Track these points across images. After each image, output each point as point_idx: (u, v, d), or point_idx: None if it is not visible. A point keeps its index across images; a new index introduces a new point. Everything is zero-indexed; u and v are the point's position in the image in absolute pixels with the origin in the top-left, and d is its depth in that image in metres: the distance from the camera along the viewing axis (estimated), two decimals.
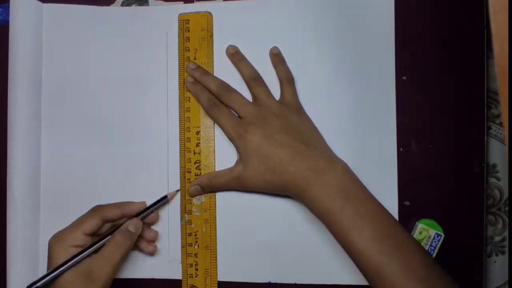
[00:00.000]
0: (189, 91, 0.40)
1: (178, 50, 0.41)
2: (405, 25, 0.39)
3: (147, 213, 0.38)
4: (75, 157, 0.41)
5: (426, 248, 0.38)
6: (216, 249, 0.40)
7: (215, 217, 0.40)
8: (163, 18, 0.41)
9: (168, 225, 0.40)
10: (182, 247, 0.40)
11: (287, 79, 0.39)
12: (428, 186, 0.39)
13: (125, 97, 0.41)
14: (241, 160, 0.38)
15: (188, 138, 0.40)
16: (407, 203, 0.39)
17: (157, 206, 0.39)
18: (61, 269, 0.33)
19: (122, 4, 0.42)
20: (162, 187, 0.40)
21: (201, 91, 0.39)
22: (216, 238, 0.40)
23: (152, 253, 0.39)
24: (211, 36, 0.41)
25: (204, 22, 0.40)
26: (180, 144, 0.40)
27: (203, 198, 0.40)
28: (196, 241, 0.40)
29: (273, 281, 0.39)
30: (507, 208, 0.39)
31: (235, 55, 0.40)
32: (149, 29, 0.41)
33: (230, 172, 0.38)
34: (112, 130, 0.41)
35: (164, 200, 0.39)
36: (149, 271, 0.40)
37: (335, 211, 0.34)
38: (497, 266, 0.40)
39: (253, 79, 0.39)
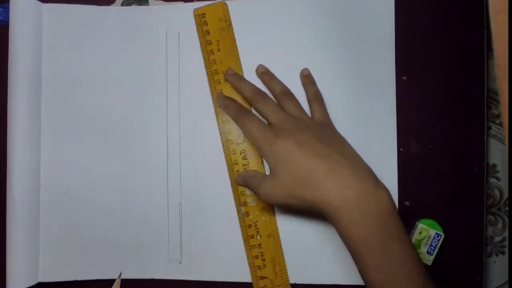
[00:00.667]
0: (219, 106, 0.40)
1: (200, 45, 0.40)
2: (405, 25, 0.39)
3: None
4: (75, 157, 0.41)
5: (426, 248, 0.38)
6: (278, 235, 0.39)
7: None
8: (163, 18, 0.41)
9: (168, 225, 0.40)
10: (244, 240, 0.39)
11: (316, 97, 0.38)
12: (428, 186, 0.39)
13: (125, 97, 0.41)
14: (270, 172, 0.34)
15: (228, 129, 0.40)
16: (407, 203, 0.39)
17: None
18: None
19: (122, 4, 0.42)
20: (162, 186, 0.40)
21: (231, 101, 0.39)
22: (276, 225, 0.39)
23: None
24: (230, 24, 0.40)
25: (220, 12, 0.40)
26: (221, 138, 0.40)
27: None
28: (258, 231, 0.39)
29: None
30: (507, 208, 0.39)
31: (265, 74, 0.39)
32: (149, 29, 0.41)
33: (261, 180, 0.35)
34: (112, 130, 0.41)
35: None
36: (149, 271, 0.40)
37: (371, 245, 0.30)
38: (497, 266, 0.40)
39: (284, 94, 0.38)
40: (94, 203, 0.41)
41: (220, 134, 0.40)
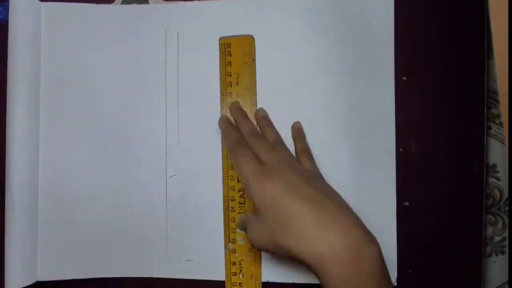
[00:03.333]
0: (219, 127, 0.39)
1: (220, 75, 0.40)
2: (405, 25, 0.39)
3: None
4: (73, 156, 0.41)
5: None
6: (260, 277, 0.39)
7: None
8: (163, 16, 0.41)
9: (167, 224, 0.40)
10: (226, 276, 0.39)
11: (305, 151, 0.37)
12: (428, 186, 0.38)
13: (124, 95, 0.41)
14: (257, 214, 0.32)
15: (231, 165, 0.40)
16: (407, 203, 0.39)
17: None
18: None
19: (123, 3, 0.42)
20: (161, 185, 0.40)
21: (232, 130, 0.37)
22: (260, 267, 0.39)
23: None
24: (254, 60, 0.40)
25: (247, 46, 0.40)
26: (223, 173, 0.40)
27: None
28: (241, 270, 0.39)
29: (271, 280, 0.39)
30: (507, 208, 0.39)
31: (264, 119, 0.39)
32: (148, 28, 0.41)
33: (248, 223, 0.34)
34: (110, 129, 0.41)
35: None
36: (148, 270, 0.40)
37: None
38: (497, 266, 0.40)
39: (276, 143, 0.37)
40: (93, 202, 0.41)
41: (222, 170, 0.40)
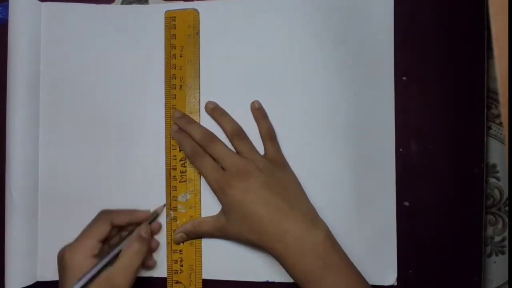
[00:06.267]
0: (173, 138, 0.40)
1: (165, 47, 0.41)
2: (405, 25, 0.39)
3: (152, 220, 0.39)
4: (73, 155, 0.41)
5: None
6: (200, 245, 0.40)
7: (200, 214, 0.40)
8: (163, 16, 0.41)
9: (166, 224, 0.40)
10: (167, 243, 0.40)
11: (269, 136, 0.39)
12: (428, 186, 0.38)
13: (124, 95, 0.41)
14: (223, 212, 0.37)
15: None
16: (407, 203, 0.39)
17: (152, 219, 0.39)
18: (87, 278, 0.33)
19: (123, 3, 0.42)
20: (160, 185, 0.40)
21: (185, 139, 0.39)
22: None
23: (152, 267, 0.40)
24: (198, 33, 0.40)
25: (191, 19, 0.40)
26: (166, 141, 0.40)
27: (188, 195, 0.40)
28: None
29: (271, 279, 0.39)
30: (507, 208, 0.39)
31: (215, 111, 0.39)
32: (148, 28, 0.41)
33: (214, 221, 0.38)
34: (110, 129, 0.41)
35: (156, 215, 0.40)
36: (148, 270, 0.40)
37: (314, 281, 0.33)
38: (497, 266, 0.40)
39: (236, 135, 0.38)
40: (92, 202, 0.40)
41: (165, 137, 0.40)
